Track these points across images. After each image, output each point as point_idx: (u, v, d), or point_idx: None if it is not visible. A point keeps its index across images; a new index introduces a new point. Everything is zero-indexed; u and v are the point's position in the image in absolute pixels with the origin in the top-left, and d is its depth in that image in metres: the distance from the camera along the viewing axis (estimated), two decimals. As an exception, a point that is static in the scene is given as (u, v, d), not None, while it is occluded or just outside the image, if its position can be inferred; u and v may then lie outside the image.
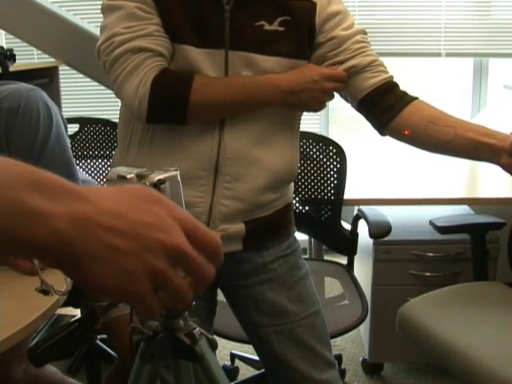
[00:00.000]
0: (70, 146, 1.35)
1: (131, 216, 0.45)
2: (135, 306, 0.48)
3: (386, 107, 1.21)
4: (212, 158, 1.17)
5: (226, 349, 2.36)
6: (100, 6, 1.16)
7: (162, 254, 0.45)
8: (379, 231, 1.85)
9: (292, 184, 1.34)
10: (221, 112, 1.16)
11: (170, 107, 1.12)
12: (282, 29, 1.15)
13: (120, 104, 1.24)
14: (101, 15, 1.16)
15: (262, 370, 2.01)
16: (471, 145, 1.15)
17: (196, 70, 1.13)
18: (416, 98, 1.23)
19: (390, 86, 1.22)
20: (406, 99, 1.22)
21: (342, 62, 1.20)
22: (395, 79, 1.25)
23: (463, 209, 2.31)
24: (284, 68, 1.17)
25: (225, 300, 1.38)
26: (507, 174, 1.15)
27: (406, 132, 1.19)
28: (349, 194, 2.04)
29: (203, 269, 0.48)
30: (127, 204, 0.46)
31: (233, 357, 2.30)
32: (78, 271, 0.44)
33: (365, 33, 1.24)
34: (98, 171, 2.32)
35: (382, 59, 1.25)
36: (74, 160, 1.40)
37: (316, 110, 1.24)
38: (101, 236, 0.44)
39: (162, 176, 0.73)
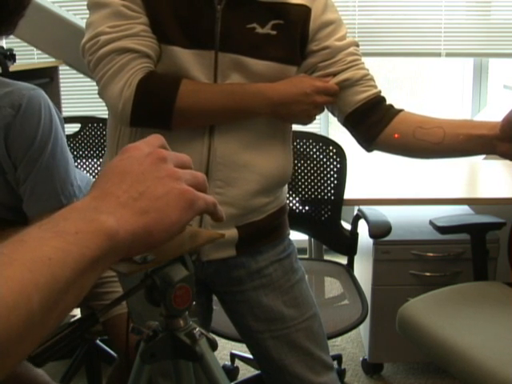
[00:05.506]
0: (66, 145, 1.35)
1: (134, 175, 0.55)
2: (195, 210, 0.56)
3: (374, 121, 1.19)
4: (202, 163, 1.14)
5: (225, 349, 2.36)
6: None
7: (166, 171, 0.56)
8: (379, 231, 1.85)
9: (286, 186, 1.31)
10: (207, 120, 1.13)
11: (154, 112, 1.09)
12: (274, 32, 1.12)
13: None
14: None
15: (262, 370, 2.01)
16: (462, 140, 1.12)
17: (184, 72, 1.10)
18: (402, 110, 1.22)
19: (379, 101, 1.21)
20: (393, 112, 1.20)
21: (334, 74, 1.18)
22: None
23: (463, 209, 2.31)
24: (274, 72, 1.14)
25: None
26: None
27: (396, 135, 1.17)
28: (349, 194, 2.04)
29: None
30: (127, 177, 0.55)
31: (233, 357, 2.30)
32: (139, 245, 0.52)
33: (357, 45, 1.22)
34: (98, 171, 2.32)
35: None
36: (74, 160, 1.40)
37: (305, 123, 1.21)
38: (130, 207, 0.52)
39: None
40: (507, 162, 1.17)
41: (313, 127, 3.06)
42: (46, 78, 2.46)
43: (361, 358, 2.35)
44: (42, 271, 0.43)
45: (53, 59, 2.49)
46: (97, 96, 1.15)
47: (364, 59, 1.24)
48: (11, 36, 1.23)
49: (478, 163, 2.55)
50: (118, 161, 0.56)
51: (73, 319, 0.71)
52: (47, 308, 0.43)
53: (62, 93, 2.58)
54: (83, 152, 2.31)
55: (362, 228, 1.98)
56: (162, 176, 0.55)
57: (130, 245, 0.51)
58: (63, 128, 1.34)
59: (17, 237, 0.45)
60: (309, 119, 1.19)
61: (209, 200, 0.58)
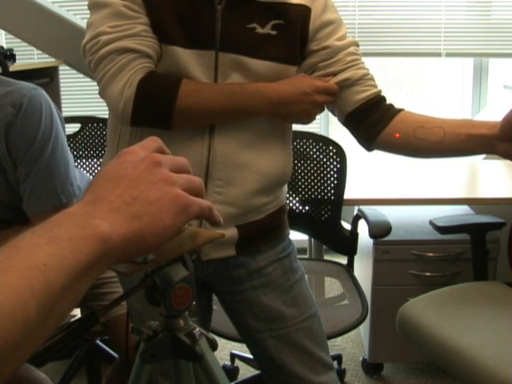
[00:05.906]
0: (67, 144, 1.35)
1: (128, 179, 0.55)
2: (191, 213, 0.56)
3: (374, 121, 1.19)
4: (202, 162, 1.14)
5: (225, 349, 2.36)
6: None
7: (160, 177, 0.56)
8: (379, 231, 1.85)
9: (285, 186, 1.31)
10: (207, 119, 1.13)
11: (155, 112, 1.09)
12: (274, 32, 1.12)
13: None
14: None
15: (262, 370, 2.01)
16: (462, 140, 1.13)
17: (184, 72, 1.10)
18: (402, 110, 1.22)
19: (379, 100, 1.21)
20: (393, 111, 1.20)
21: (334, 74, 1.18)
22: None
23: (463, 209, 2.31)
24: (274, 72, 1.14)
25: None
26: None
27: (397, 135, 1.17)
28: (349, 194, 2.04)
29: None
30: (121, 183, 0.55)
31: (233, 357, 2.30)
32: (135, 246, 0.52)
33: (357, 44, 1.22)
34: (98, 171, 2.32)
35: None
36: (74, 160, 1.41)
37: (305, 123, 1.21)
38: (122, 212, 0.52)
39: None
40: (507, 161, 1.17)
41: (313, 127, 3.06)
42: (46, 78, 2.46)
43: (361, 358, 2.35)
44: (38, 278, 0.43)
45: (53, 59, 2.49)
46: (97, 96, 1.15)
47: (364, 59, 1.24)
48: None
49: (478, 163, 2.55)
50: (113, 165, 0.57)
51: (73, 319, 0.71)
52: (43, 314, 0.43)
53: (62, 93, 2.58)
54: (83, 152, 2.31)
55: (362, 228, 1.98)
56: (156, 181, 0.55)
57: (124, 249, 0.51)
58: (64, 128, 1.35)
59: (11, 243, 0.45)
60: (309, 119, 1.19)
61: (204, 204, 0.58)
